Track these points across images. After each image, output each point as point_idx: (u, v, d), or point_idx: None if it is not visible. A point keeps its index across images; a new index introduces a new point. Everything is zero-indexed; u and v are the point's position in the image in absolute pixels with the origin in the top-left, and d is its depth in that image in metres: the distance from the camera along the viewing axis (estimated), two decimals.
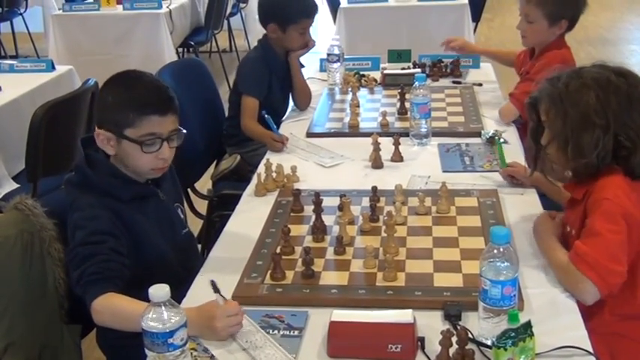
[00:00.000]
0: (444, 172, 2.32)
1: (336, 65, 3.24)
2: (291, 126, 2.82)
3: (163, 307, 1.32)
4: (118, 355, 1.88)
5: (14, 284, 1.71)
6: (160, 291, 1.32)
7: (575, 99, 1.69)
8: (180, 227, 1.95)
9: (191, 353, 1.44)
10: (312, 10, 2.90)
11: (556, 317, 1.55)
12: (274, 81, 2.93)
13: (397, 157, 2.42)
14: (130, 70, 1.87)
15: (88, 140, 1.84)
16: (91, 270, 1.63)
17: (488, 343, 1.43)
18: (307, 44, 2.92)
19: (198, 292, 1.70)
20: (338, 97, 3.15)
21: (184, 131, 1.84)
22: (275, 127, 2.66)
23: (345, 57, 3.36)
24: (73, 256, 1.67)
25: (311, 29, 2.95)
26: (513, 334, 1.32)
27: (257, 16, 3.02)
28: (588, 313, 1.60)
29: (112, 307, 1.60)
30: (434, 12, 5.16)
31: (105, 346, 1.92)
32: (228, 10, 6.62)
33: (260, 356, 1.46)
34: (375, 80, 3.26)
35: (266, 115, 2.66)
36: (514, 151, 2.41)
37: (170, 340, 1.32)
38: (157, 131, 1.76)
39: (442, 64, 3.37)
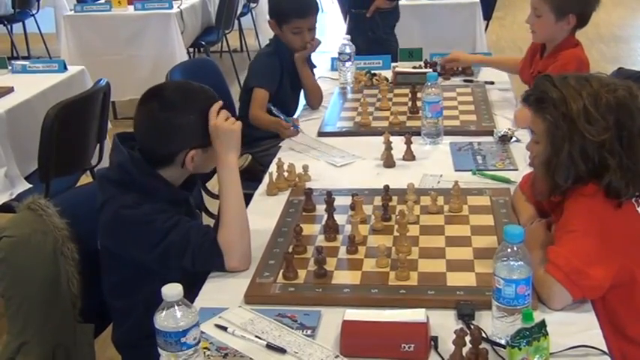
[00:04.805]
0: (456, 171, 2.31)
1: (347, 64, 3.23)
2: (303, 125, 2.81)
3: (176, 307, 1.32)
4: (133, 353, 1.89)
5: (27, 284, 1.72)
6: (172, 290, 1.32)
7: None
8: None
9: (204, 352, 1.44)
10: (306, 11, 2.86)
11: (571, 316, 1.54)
12: (285, 77, 2.93)
13: (409, 156, 2.41)
14: (163, 86, 1.90)
15: (123, 138, 1.83)
16: (198, 246, 1.72)
17: (502, 342, 1.42)
18: (306, 46, 2.89)
19: (210, 292, 1.70)
20: (349, 96, 3.14)
21: None
22: (283, 115, 2.65)
23: (356, 56, 3.35)
24: (166, 248, 1.71)
25: (318, 28, 2.93)
26: (527, 333, 1.31)
27: (268, 16, 3.02)
28: None
29: (231, 238, 1.75)
30: (445, 10, 5.15)
31: (120, 345, 1.93)
32: (239, 10, 6.63)
33: (282, 344, 1.47)
34: (387, 79, 3.25)
35: (272, 107, 2.66)
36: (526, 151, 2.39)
37: (183, 340, 1.32)
38: None
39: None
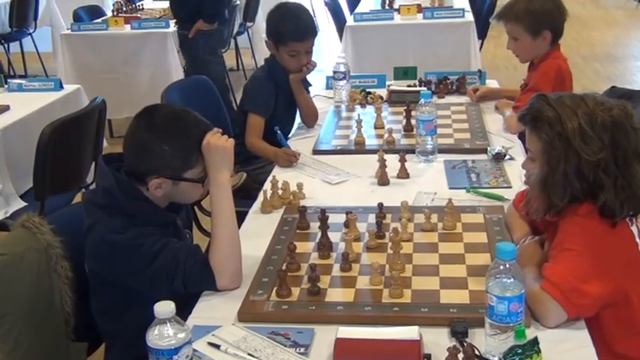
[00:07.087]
0: (450, 188, 2.32)
1: (342, 83, 3.24)
2: (298, 143, 2.82)
3: (168, 324, 1.32)
4: None
5: (20, 302, 1.71)
6: (165, 308, 1.32)
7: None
8: None
9: None
10: (304, 35, 2.85)
11: (563, 334, 1.54)
12: (280, 98, 2.94)
13: (403, 174, 2.42)
14: (161, 106, 1.90)
15: (109, 159, 1.83)
16: (188, 267, 1.71)
17: None
18: (301, 68, 2.89)
19: (203, 310, 1.70)
20: (344, 114, 3.16)
21: None
22: (286, 141, 2.66)
23: (351, 74, 3.37)
24: (155, 272, 1.70)
25: (315, 48, 2.94)
26: (520, 350, 1.32)
27: (264, 35, 3.04)
28: None
29: (222, 258, 1.74)
30: (440, 29, 5.17)
31: None
32: (235, 29, 6.66)
33: None
34: (381, 97, 3.26)
35: (278, 131, 2.67)
36: (520, 169, 2.40)
37: (175, 357, 1.32)
38: None
39: (448, 80, 3.37)
